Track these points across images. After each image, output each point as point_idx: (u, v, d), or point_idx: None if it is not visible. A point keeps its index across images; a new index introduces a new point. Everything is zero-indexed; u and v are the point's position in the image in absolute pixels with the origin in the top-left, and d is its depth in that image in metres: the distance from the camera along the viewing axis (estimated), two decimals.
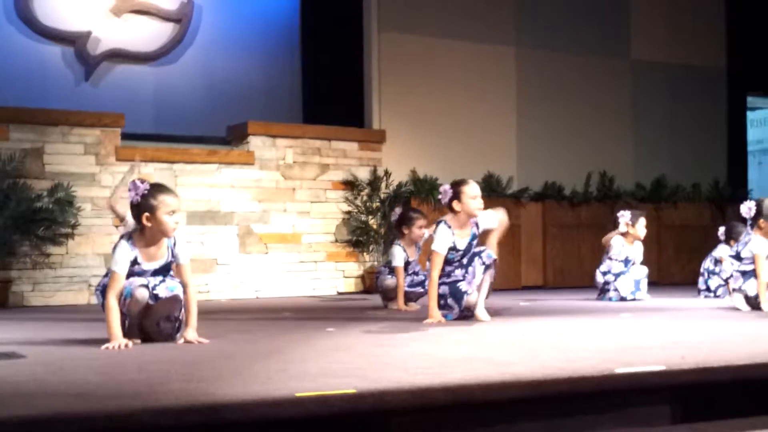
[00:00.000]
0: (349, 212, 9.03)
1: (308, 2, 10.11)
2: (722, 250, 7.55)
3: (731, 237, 7.51)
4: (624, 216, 7.47)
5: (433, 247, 5.25)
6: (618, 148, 7.84)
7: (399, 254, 6.65)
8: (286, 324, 5.37)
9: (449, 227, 5.26)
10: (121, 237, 4.25)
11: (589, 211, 8.07)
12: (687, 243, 8.10)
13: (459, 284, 5.21)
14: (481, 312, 5.24)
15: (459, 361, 3.32)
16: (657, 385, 3.02)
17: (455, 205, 5.26)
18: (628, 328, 4.85)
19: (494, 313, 5.40)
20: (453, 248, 5.27)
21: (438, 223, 5.33)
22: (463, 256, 5.28)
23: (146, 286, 4.09)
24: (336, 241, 8.98)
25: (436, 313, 5.12)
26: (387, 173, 9.12)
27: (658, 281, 10.36)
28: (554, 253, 10.00)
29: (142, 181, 4.16)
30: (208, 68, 9.60)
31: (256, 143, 8.68)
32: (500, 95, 9.62)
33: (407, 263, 6.68)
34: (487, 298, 5.35)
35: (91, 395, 2.62)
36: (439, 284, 5.21)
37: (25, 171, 7.52)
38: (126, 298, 4.07)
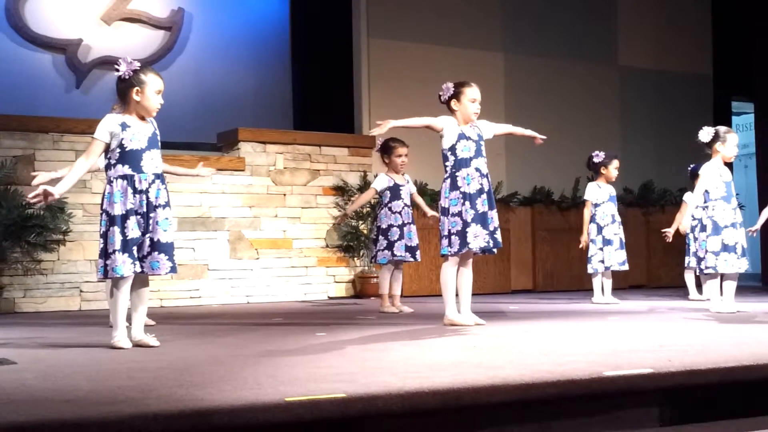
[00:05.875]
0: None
1: (298, 10, 10.14)
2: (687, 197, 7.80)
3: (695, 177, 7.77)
4: (598, 156, 7.60)
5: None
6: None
7: (380, 180, 6.81)
8: (276, 329, 5.38)
9: (454, 119, 5.26)
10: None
11: (577, 215, 8.14)
12: (675, 247, 8.15)
13: (468, 230, 5.10)
14: (467, 316, 5.24)
15: (448, 365, 3.34)
16: (645, 388, 3.03)
17: (453, 104, 5.27)
18: (616, 331, 4.88)
19: (483, 317, 5.41)
20: (464, 137, 5.22)
21: None
22: (477, 153, 5.20)
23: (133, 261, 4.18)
24: (327, 246, 9.00)
25: (387, 123, 5.09)
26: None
27: (647, 284, 10.43)
28: (543, 257, 10.04)
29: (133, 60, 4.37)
30: (199, 75, 9.62)
31: (247, 149, 8.70)
32: (489, 100, 9.55)
33: (396, 189, 6.76)
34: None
35: (82, 401, 2.63)
36: (453, 215, 5.13)
37: (16, 178, 7.52)
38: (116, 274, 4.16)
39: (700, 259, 6.20)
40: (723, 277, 6.10)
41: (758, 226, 7.31)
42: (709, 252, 6.02)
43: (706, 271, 6.11)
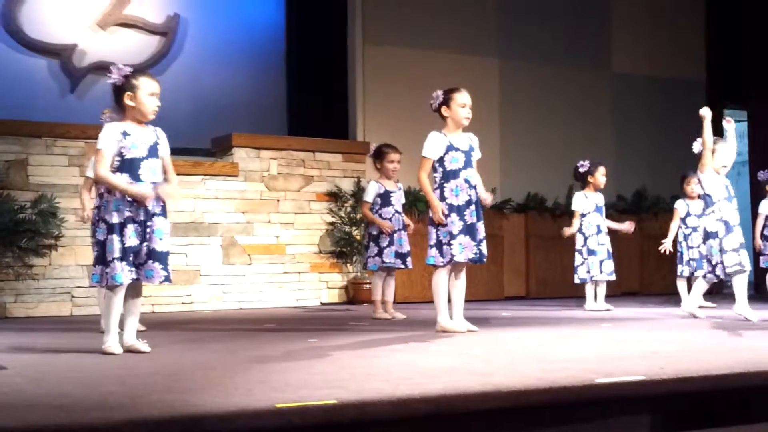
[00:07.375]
0: (332, 223, 9.03)
1: (293, 15, 10.13)
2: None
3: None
4: (583, 166, 7.58)
5: (422, 153, 5.21)
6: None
7: (370, 189, 6.78)
8: (268, 335, 5.37)
9: (440, 131, 5.24)
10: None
11: (570, 222, 8.13)
12: (668, 253, 8.15)
13: (453, 242, 5.10)
14: (459, 323, 5.23)
15: (440, 371, 3.33)
16: (637, 395, 3.03)
17: (444, 111, 5.25)
18: (609, 338, 4.88)
19: (476, 323, 5.40)
20: (453, 148, 5.20)
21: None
22: (466, 164, 5.19)
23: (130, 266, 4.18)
24: (320, 252, 8.98)
25: (437, 203, 5.11)
26: None
27: (640, 291, 10.43)
28: (537, 264, 10.04)
29: (124, 65, 4.35)
30: (194, 81, 9.61)
31: (241, 155, 8.69)
32: (483, 107, 9.66)
33: (387, 196, 6.73)
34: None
35: (73, 407, 2.62)
36: (442, 226, 5.13)
37: (9, 182, 7.50)
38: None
39: (714, 266, 6.04)
40: (694, 277, 6.08)
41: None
42: (730, 251, 5.90)
43: (731, 270, 5.88)
